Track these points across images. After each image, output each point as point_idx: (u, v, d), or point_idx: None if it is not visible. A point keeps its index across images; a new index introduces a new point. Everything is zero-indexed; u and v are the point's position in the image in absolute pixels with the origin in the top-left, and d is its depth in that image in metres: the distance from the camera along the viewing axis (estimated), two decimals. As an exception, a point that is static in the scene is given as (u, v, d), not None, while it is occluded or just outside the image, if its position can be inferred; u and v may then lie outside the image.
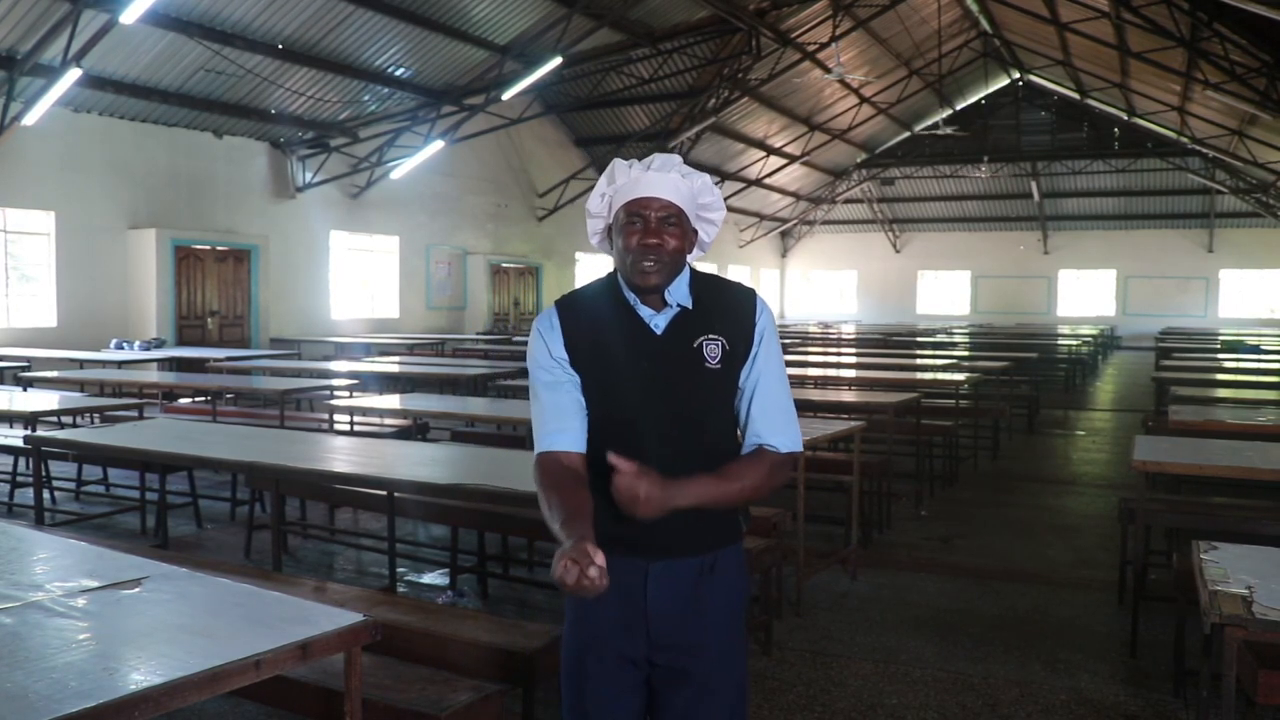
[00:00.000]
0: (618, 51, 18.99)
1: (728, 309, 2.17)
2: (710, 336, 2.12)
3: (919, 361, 12.26)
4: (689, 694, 2.15)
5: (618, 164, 2.17)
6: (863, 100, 26.91)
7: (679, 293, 2.14)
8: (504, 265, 23.09)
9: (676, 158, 2.15)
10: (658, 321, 2.13)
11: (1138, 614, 4.63)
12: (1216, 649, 2.56)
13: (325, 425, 8.15)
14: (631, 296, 2.14)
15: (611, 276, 2.20)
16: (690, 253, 2.18)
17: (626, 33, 18.47)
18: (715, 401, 2.13)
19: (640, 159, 2.17)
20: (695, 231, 2.19)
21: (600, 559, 1.84)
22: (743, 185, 28.90)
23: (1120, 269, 33.34)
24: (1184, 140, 25.33)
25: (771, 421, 2.16)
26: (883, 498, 7.06)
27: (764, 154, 27.64)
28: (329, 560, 6.30)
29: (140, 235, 15.52)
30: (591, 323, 2.16)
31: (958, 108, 31.10)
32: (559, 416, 2.15)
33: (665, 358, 2.11)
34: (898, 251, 36.84)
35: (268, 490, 5.80)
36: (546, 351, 2.16)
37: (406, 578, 5.88)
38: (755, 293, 2.22)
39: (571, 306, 2.20)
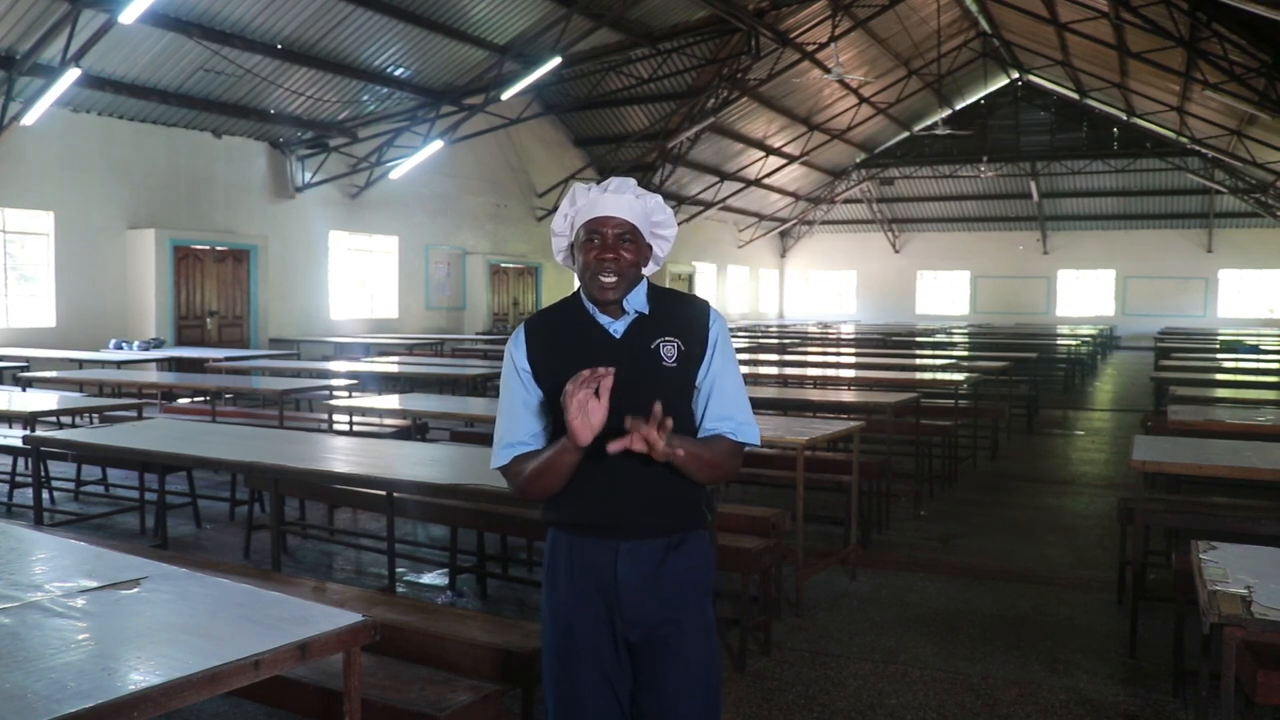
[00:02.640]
0: (617, 51, 18.99)
1: (683, 316, 2.35)
2: (666, 339, 2.30)
3: (918, 362, 12.25)
4: (662, 665, 2.29)
5: (578, 187, 2.38)
6: (862, 100, 26.90)
7: (636, 301, 2.32)
8: (503, 265, 23.09)
9: (631, 180, 2.34)
10: (616, 327, 2.32)
11: (1137, 614, 4.64)
12: (1215, 649, 2.56)
13: (324, 425, 8.16)
14: (592, 307, 2.33)
15: (575, 293, 2.39)
16: (645, 267, 2.37)
17: (626, 33, 18.46)
18: (673, 398, 2.23)
19: (599, 183, 2.36)
20: (650, 247, 2.38)
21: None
22: (742, 185, 28.90)
23: (1119, 269, 33.34)
24: (1183, 140, 25.32)
25: (730, 413, 2.33)
26: (882, 498, 7.06)
27: (763, 154, 27.64)
28: (328, 560, 6.30)
29: (139, 235, 15.51)
30: (555, 334, 2.35)
31: (957, 108, 31.09)
32: (524, 424, 2.34)
33: (624, 358, 2.25)
34: (897, 251, 36.84)
35: (267, 490, 5.80)
36: (514, 365, 2.36)
37: (405, 578, 5.88)
38: (708, 304, 2.42)
39: (536, 322, 2.41)
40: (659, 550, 2.29)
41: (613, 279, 2.26)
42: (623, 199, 2.30)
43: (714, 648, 2.37)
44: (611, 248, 2.27)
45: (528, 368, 2.33)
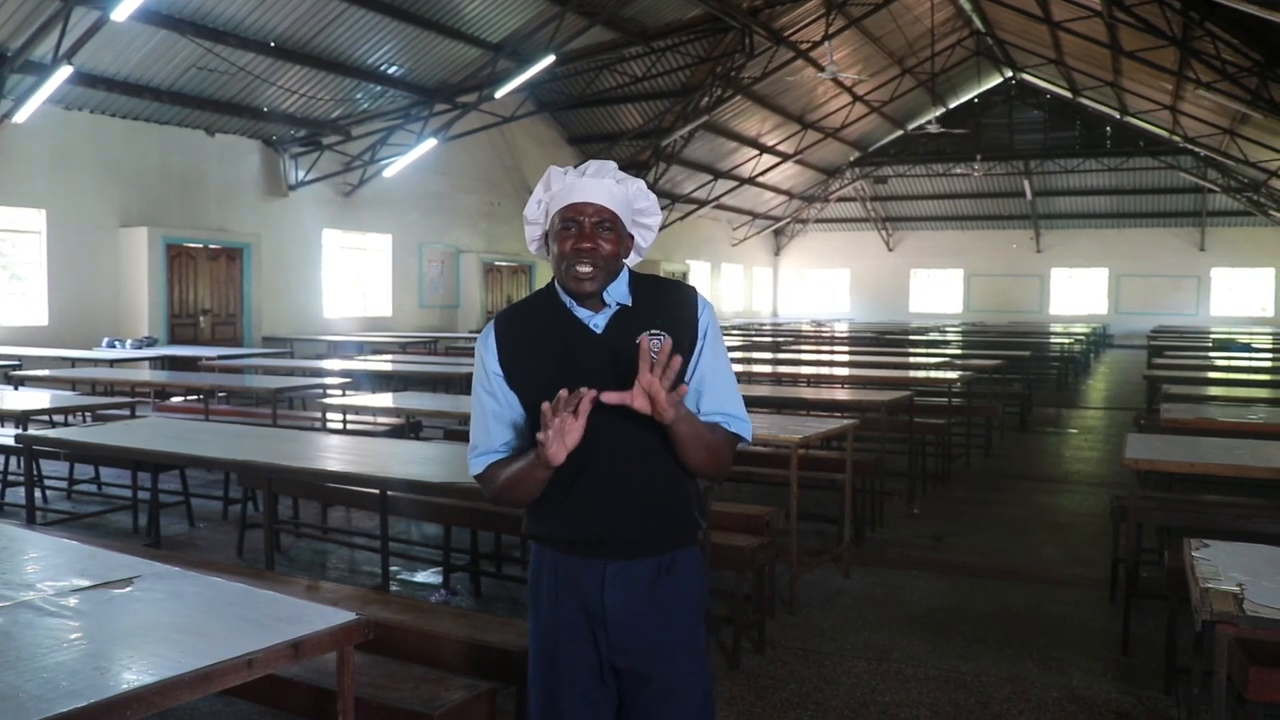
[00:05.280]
0: (610, 50, 18.97)
1: (669, 305, 2.17)
2: (653, 331, 2.10)
3: (912, 360, 12.28)
4: (653, 699, 2.14)
5: (553, 171, 2.18)
6: (855, 99, 26.91)
7: (618, 292, 2.14)
8: (497, 264, 23.06)
9: (611, 164, 2.16)
10: (597, 321, 2.13)
11: (1129, 611, 4.65)
12: (1207, 646, 2.57)
13: (318, 424, 8.14)
14: (569, 300, 2.14)
15: (550, 285, 2.20)
16: (626, 257, 2.19)
17: (619, 31, 18.45)
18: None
19: (576, 166, 2.18)
20: (631, 237, 2.20)
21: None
22: (735, 184, 28.90)
23: (1112, 267, 33.41)
24: (1176, 139, 25.40)
25: (723, 407, 2.17)
26: (875, 496, 7.07)
27: (757, 152, 27.64)
28: (322, 559, 6.30)
29: (132, 233, 15.47)
30: (528, 332, 2.17)
31: (950, 106, 31.13)
32: (497, 434, 2.20)
33: (606, 355, 2.08)
34: (891, 250, 36.88)
35: (260, 489, 5.80)
36: (484, 369, 2.19)
37: (399, 576, 5.88)
38: (696, 290, 2.23)
39: (507, 319, 2.22)
40: (649, 573, 2.13)
41: (589, 270, 2.07)
42: (602, 184, 2.11)
43: (705, 677, 2.21)
44: (589, 236, 2.08)
45: (499, 370, 2.17)
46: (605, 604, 2.12)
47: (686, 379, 2.14)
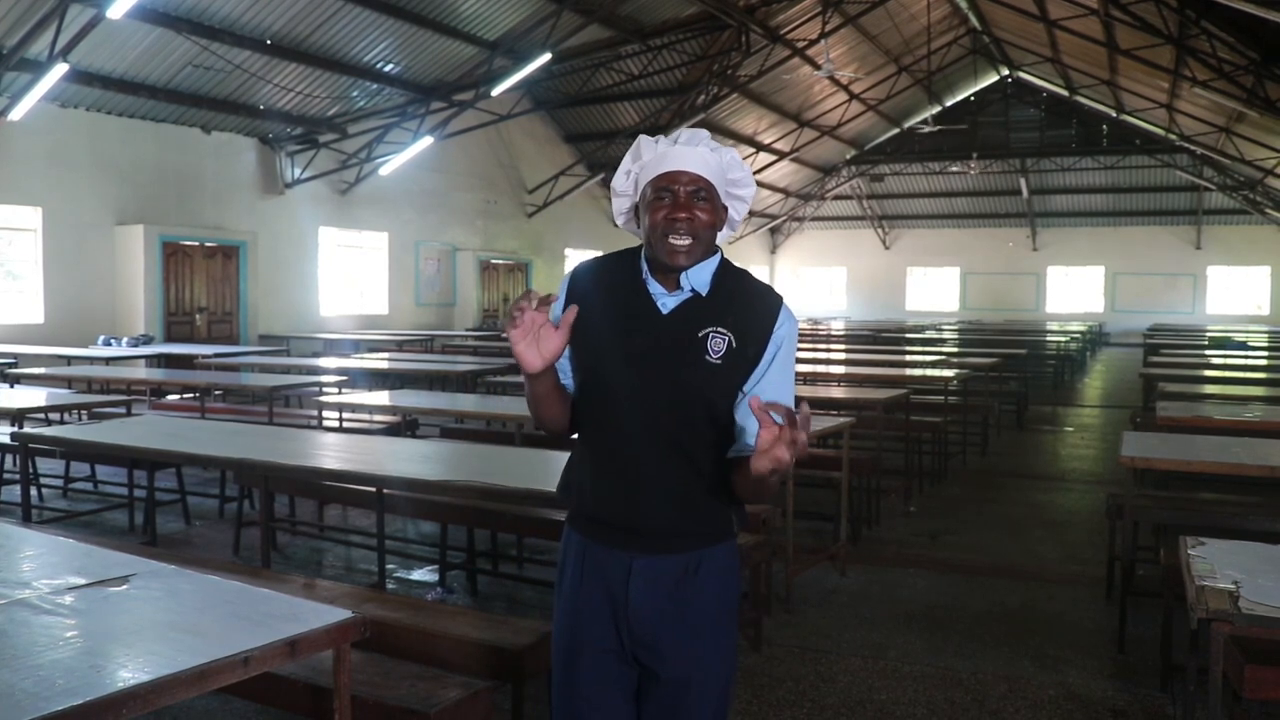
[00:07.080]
0: (607, 48, 18.97)
1: (746, 307, 2.08)
2: (718, 330, 2.03)
3: (908, 358, 12.29)
4: (669, 694, 2.11)
5: (643, 140, 2.10)
6: (852, 97, 26.92)
7: (698, 278, 2.06)
8: (493, 262, 23.05)
9: (704, 132, 2.09)
10: (666, 302, 2.06)
11: (1125, 609, 4.66)
12: (1203, 644, 2.57)
13: (314, 422, 8.14)
14: (646, 271, 2.08)
15: (636, 249, 2.14)
16: (720, 230, 2.11)
17: (616, 29, 18.44)
18: (710, 398, 2.03)
19: (666, 135, 2.11)
20: (725, 209, 2.12)
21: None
22: (732, 182, 28.88)
23: (1109, 265, 33.44)
24: (1172, 137, 25.40)
25: None
26: (872, 494, 7.08)
27: (753, 150, 27.61)
28: (318, 557, 6.29)
29: (128, 231, 15.44)
30: (600, 291, 2.10)
31: (947, 104, 31.14)
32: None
33: (665, 340, 2.03)
34: (887, 248, 36.88)
35: (256, 487, 5.79)
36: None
37: (396, 574, 5.87)
38: (782, 299, 2.13)
39: (585, 273, 2.16)
40: (676, 571, 2.07)
41: (686, 241, 1.99)
42: (696, 151, 2.03)
43: (728, 676, 2.17)
44: (684, 206, 2.00)
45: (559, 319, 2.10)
46: (630, 596, 2.08)
47: (746, 390, 2.05)
